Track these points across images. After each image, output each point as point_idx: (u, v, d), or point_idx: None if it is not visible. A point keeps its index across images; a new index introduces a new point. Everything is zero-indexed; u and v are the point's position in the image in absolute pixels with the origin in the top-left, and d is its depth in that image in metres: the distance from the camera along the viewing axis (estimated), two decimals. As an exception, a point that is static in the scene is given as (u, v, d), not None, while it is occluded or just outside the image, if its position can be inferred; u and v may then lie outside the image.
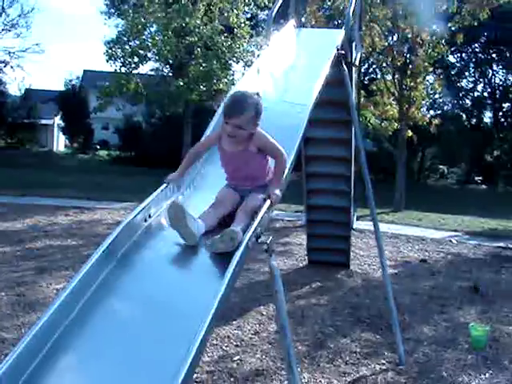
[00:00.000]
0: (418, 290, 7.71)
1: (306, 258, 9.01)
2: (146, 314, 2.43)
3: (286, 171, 3.27)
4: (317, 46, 5.98)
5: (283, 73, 5.21)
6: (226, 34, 21.36)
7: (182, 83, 20.06)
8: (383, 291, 7.42)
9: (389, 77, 19.64)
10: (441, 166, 40.93)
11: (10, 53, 23.17)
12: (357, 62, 6.83)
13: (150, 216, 3.09)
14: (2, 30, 21.19)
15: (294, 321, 5.88)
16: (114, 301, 2.49)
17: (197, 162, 3.52)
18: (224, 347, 5.24)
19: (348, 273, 8.55)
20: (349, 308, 6.69)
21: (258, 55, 5.70)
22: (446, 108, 38.84)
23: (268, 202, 3.03)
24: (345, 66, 5.57)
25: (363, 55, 15.96)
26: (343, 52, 5.52)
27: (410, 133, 19.12)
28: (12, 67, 25.77)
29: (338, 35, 5.78)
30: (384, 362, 5.11)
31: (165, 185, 3.21)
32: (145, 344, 2.27)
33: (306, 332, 5.73)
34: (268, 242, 2.72)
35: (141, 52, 20.61)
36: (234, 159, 3.22)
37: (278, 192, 3.10)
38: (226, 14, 21.36)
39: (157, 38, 20.38)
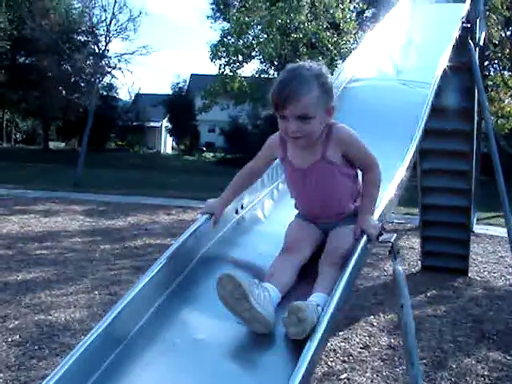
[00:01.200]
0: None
1: (420, 263, 8.20)
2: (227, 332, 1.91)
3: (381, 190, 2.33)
4: (436, 20, 5.25)
5: (400, 50, 4.53)
6: (331, 31, 20.72)
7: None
8: (509, 302, 6.61)
9: (506, 71, 18.32)
10: None
11: (119, 56, 23.63)
12: (481, 42, 6.01)
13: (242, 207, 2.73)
14: (113, 35, 21.61)
15: (407, 334, 5.14)
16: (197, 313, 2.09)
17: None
18: (329, 362, 4.61)
19: (466, 281, 7.66)
20: (471, 321, 5.85)
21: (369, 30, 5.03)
22: None
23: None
24: (471, 43, 4.81)
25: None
26: (469, 25, 4.77)
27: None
28: (122, 71, 26.37)
29: (461, 9, 5.02)
30: (519, 388, 4.29)
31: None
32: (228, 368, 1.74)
33: (423, 347, 4.98)
34: (392, 240, 2.14)
35: (245, 51, 20.37)
36: (305, 178, 2.28)
37: (375, 222, 2.18)
38: (331, 11, 20.70)
39: (261, 36, 20.06)
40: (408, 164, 2.74)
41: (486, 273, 8.17)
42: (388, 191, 2.51)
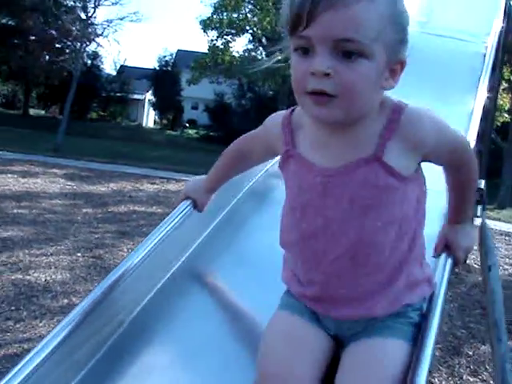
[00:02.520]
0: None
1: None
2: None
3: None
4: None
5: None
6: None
7: (280, 57, 19.14)
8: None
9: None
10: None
11: (108, 22, 22.86)
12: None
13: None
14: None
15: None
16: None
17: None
18: None
19: (466, 267, 7.36)
20: (479, 308, 5.53)
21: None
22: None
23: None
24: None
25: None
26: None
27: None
28: (108, 40, 25.55)
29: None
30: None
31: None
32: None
33: (434, 332, 4.63)
34: (482, 186, 1.68)
35: (239, 23, 19.83)
36: (328, 193, 1.21)
37: (472, 241, 1.45)
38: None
39: (256, 9, 19.56)
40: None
41: (484, 261, 7.88)
42: None
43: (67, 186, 10.28)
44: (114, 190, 10.45)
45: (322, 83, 1.08)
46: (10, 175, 10.86)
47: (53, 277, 5.06)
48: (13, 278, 4.94)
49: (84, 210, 8.22)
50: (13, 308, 4.29)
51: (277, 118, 1.34)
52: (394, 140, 1.17)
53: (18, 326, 4.00)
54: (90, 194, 9.63)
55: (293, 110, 1.30)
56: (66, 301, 4.52)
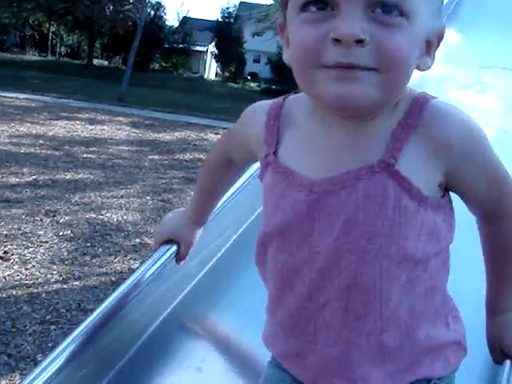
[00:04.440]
0: None
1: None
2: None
3: None
4: None
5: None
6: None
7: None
8: None
9: None
10: None
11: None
12: None
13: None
14: None
15: None
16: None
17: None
18: None
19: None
20: None
21: None
22: None
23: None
24: None
25: None
26: None
27: None
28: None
29: None
30: None
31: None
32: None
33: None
34: None
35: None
36: (316, 214, 0.85)
37: None
38: None
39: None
40: None
41: None
42: None
43: (133, 134, 10.44)
44: (178, 138, 10.55)
45: (352, 54, 0.74)
46: (77, 122, 11.09)
47: (124, 217, 5.19)
48: (87, 217, 5.09)
49: (150, 157, 8.35)
50: (88, 244, 4.43)
51: (260, 108, 0.98)
52: (412, 142, 0.82)
53: (94, 260, 4.13)
54: (155, 142, 9.76)
55: (285, 99, 0.96)
56: (137, 240, 4.64)
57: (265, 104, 0.98)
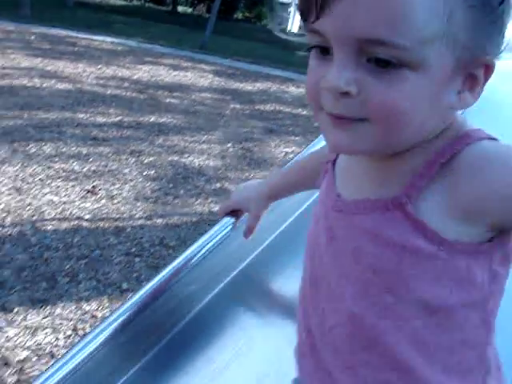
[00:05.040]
0: None
1: None
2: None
3: None
4: None
5: None
6: None
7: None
8: None
9: None
10: None
11: None
12: None
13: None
14: None
15: None
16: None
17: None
18: None
19: None
20: None
21: None
22: None
23: None
24: None
25: None
26: None
27: None
28: None
29: None
30: None
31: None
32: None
33: None
34: None
35: None
36: (332, 235, 0.83)
37: None
38: None
39: None
40: None
41: None
42: None
43: (215, 82, 10.52)
44: (260, 89, 10.56)
45: (340, 105, 0.68)
46: (161, 67, 11.25)
47: (206, 162, 5.30)
48: (170, 159, 5.23)
49: (232, 106, 8.41)
50: (171, 185, 4.57)
51: None
52: (438, 184, 0.72)
53: (176, 201, 4.27)
54: (237, 91, 9.81)
55: None
56: (218, 185, 4.74)
57: None
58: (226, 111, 7.92)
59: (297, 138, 6.79)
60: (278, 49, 22.88)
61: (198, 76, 10.89)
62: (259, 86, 10.92)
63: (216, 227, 1.29)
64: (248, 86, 10.62)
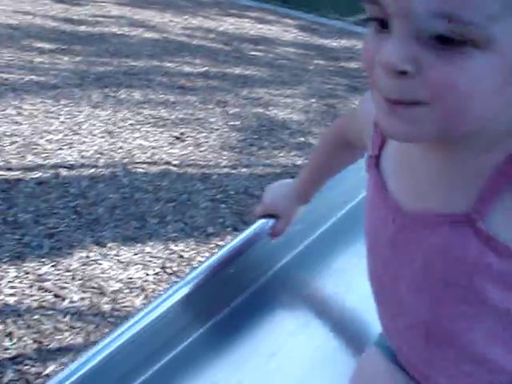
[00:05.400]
0: None
1: None
2: None
3: None
4: None
5: None
6: None
7: None
8: None
9: None
10: None
11: None
12: None
13: None
14: None
15: None
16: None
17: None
18: None
19: None
20: None
21: None
22: None
23: None
24: None
25: None
26: None
27: None
28: None
29: None
30: None
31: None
32: None
33: None
34: None
35: None
36: (395, 245, 0.80)
37: None
38: None
39: None
40: None
41: None
42: None
43: (299, 37, 10.42)
44: (344, 46, 10.39)
45: (395, 86, 0.62)
46: (246, 20, 11.22)
47: (289, 116, 5.33)
48: (254, 111, 5.29)
49: (316, 61, 8.35)
50: (255, 137, 4.63)
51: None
52: (510, 192, 0.67)
53: (260, 152, 4.34)
54: (321, 47, 9.71)
55: None
56: (302, 139, 4.77)
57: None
58: (310, 66, 7.87)
59: (381, 97, 6.71)
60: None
61: (282, 30, 10.82)
62: (344, 42, 10.75)
63: (250, 229, 1.30)
64: (333, 43, 10.47)
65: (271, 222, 1.29)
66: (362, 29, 13.25)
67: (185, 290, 1.20)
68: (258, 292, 1.42)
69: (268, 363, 1.26)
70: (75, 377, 1.02)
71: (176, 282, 1.26)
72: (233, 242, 1.32)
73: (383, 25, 0.63)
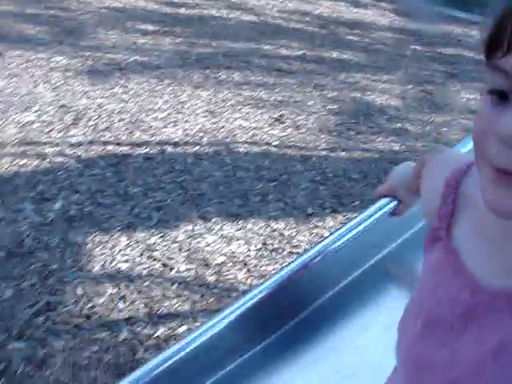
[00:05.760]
0: None
1: None
2: None
3: None
4: None
5: None
6: None
7: None
8: None
9: None
10: None
11: None
12: None
13: None
14: None
15: None
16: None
17: None
18: None
19: None
20: None
21: None
22: None
23: None
24: None
25: None
26: None
27: None
28: None
29: None
30: None
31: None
32: None
33: None
34: None
35: None
36: (464, 328, 0.70)
37: None
38: None
39: None
40: None
41: None
42: None
43: (395, 21, 10.27)
44: (441, 31, 10.16)
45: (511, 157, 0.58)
46: (342, 3, 11.14)
47: (386, 102, 5.31)
48: (351, 95, 5.31)
49: (412, 47, 8.21)
50: (353, 121, 4.67)
51: (442, 171, 0.83)
52: None
53: (358, 136, 4.37)
54: (418, 32, 9.52)
55: (467, 170, 0.80)
56: (399, 125, 4.76)
57: (446, 167, 0.83)
58: (407, 52, 7.76)
59: (479, 85, 6.54)
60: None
61: (378, 14, 10.68)
62: (441, 27, 10.51)
63: (373, 208, 1.31)
64: (429, 28, 10.26)
65: (394, 202, 1.31)
66: (461, 13, 12.89)
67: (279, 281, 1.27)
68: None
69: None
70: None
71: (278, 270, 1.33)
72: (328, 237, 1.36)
73: (502, 96, 0.60)
